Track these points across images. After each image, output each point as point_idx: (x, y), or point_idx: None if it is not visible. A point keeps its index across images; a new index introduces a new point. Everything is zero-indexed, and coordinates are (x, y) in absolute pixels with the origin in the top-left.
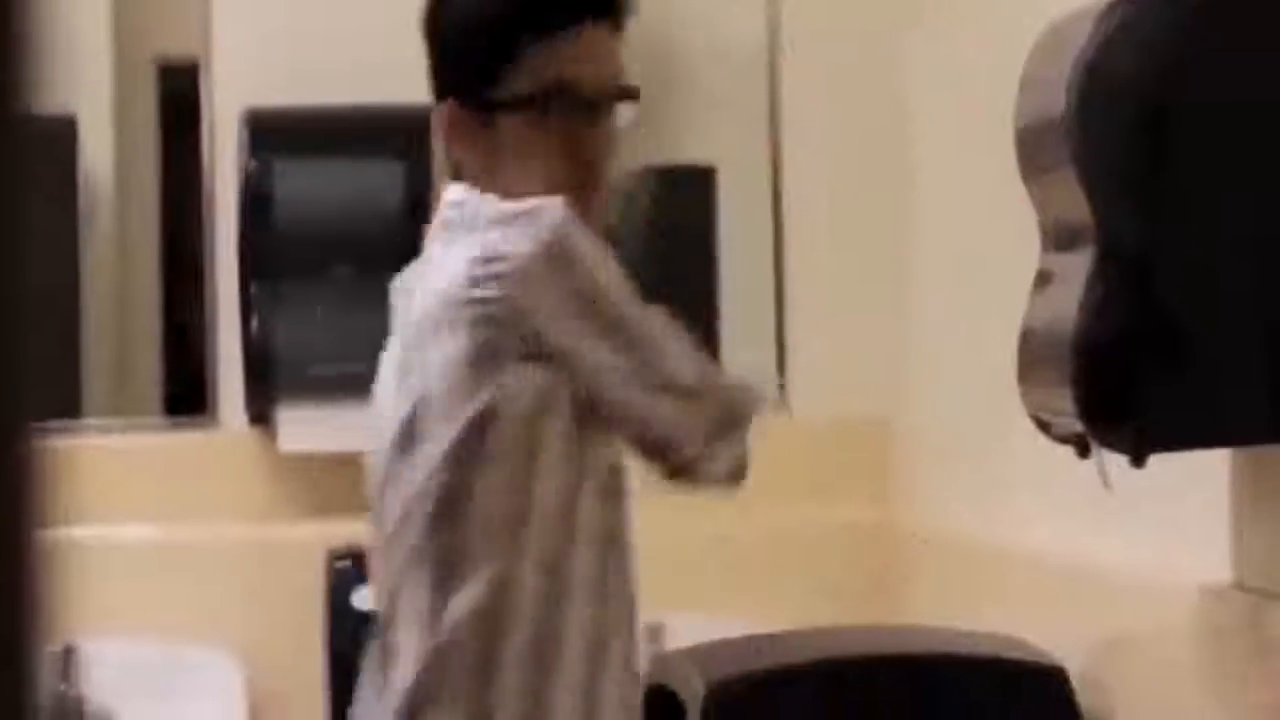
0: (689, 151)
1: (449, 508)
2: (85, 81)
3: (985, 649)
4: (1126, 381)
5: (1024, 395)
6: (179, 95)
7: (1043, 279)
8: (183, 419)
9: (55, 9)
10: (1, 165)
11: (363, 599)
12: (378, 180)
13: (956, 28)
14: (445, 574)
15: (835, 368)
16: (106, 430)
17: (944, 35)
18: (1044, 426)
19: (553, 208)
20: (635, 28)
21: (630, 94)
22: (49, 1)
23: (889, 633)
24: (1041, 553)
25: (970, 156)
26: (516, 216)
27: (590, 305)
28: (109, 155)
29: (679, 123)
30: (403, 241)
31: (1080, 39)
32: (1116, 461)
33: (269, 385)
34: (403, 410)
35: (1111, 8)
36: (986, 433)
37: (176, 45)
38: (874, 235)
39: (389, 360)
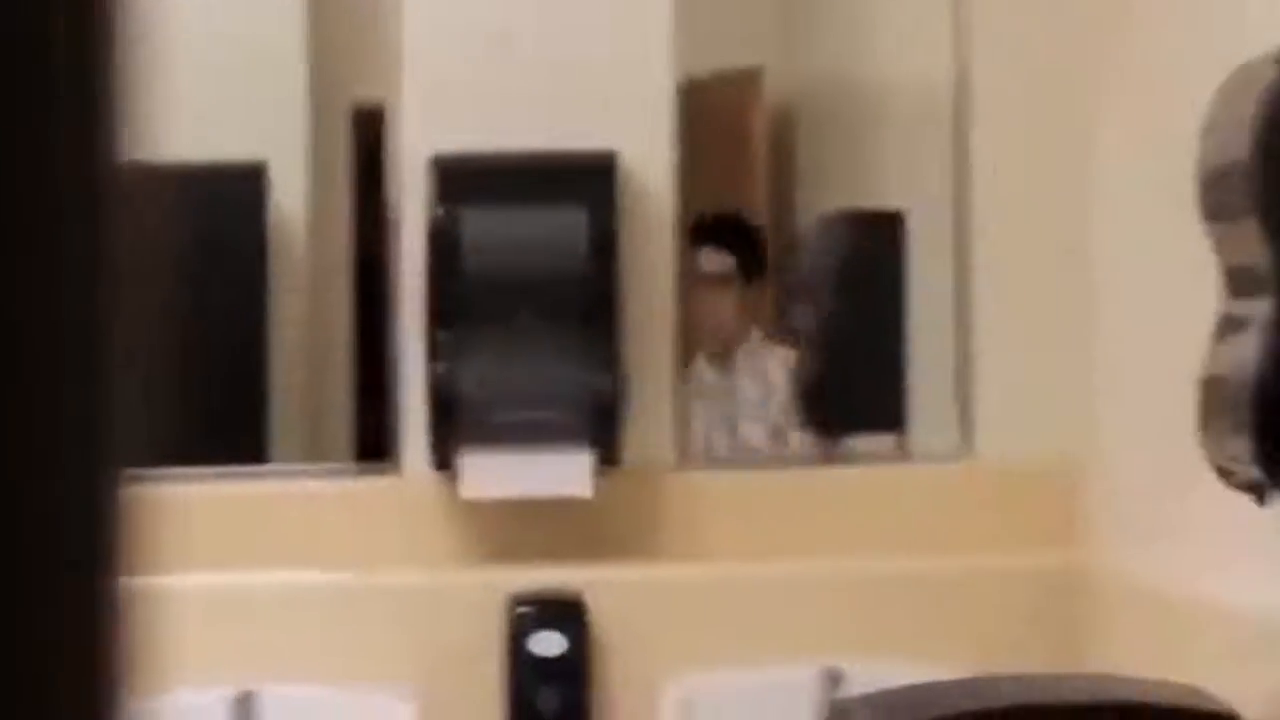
0: (878, 196)
1: None
2: (278, 127)
3: (1164, 698)
4: None
5: (1204, 443)
6: (370, 141)
7: (1223, 325)
8: (367, 465)
9: (249, 56)
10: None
11: (543, 644)
12: (561, 226)
13: (1145, 69)
14: None
15: (1021, 411)
16: (294, 476)
17: (1131, 76)
18: (1225, 475)
19: None
20: (823, 72)
21: None
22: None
23: (1071, 680)
24: (1227, 601)
25: (1154, 200)
26: None
27: None
28: (300, 202)
29: (869, 167)
30: (586, 288)
31: (1264, 82)
32: None
33: (452, 431)
34: None
35: None
36: (1174, 478)
37: (369, 91)
38: (1059, 278)
39: None
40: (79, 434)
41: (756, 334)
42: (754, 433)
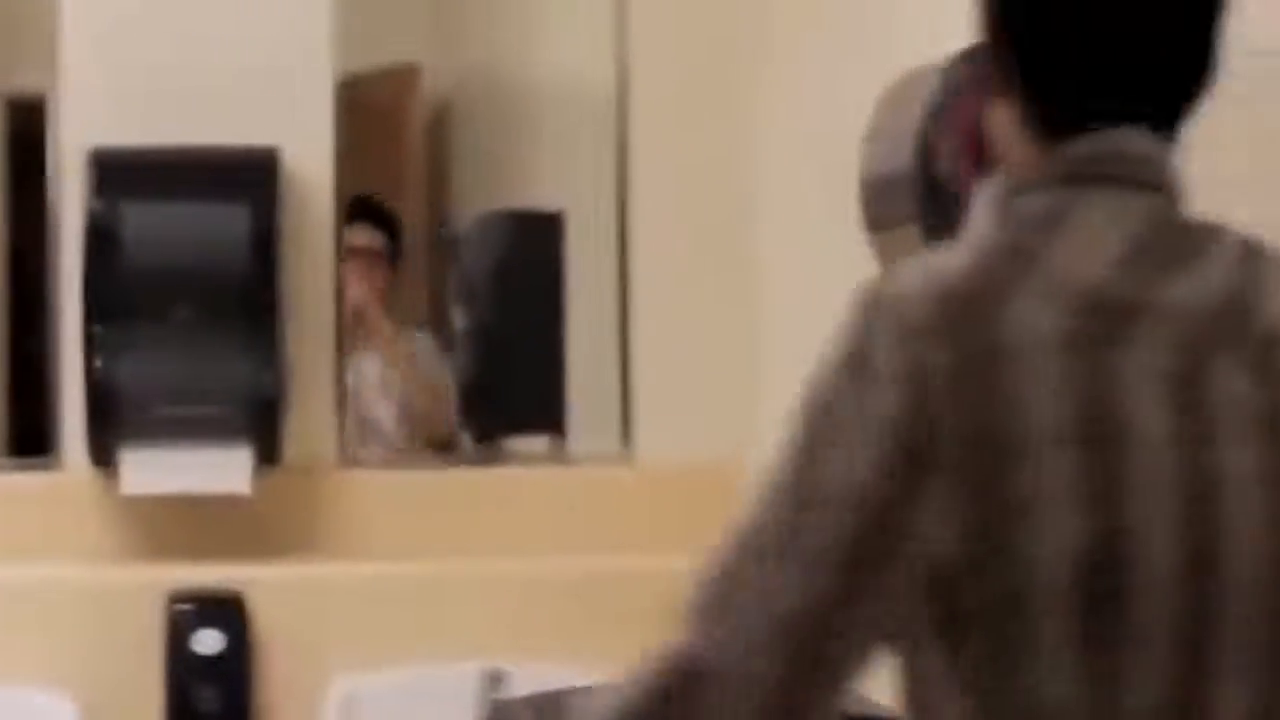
0: (537, 195)
1: None
2: None
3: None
4: None
5: None
6: (25, 133)
7: None
8: (25, 460)
9: None
10: None
11: (203, 643)
12: (222, 222)
13: (806, 70)
14: None
15: (682, 413)
16: None
17: (793, 77)
18: None
19: None
20: (482, 69)
21: None
22: None
23: None
24: None
25: (816, 201)
26: None
27: None
28: None
29: (527, 165)
30: (246, 284)
31: (928, 92)
32: None
33: (111, 427)
34: None
35: (955, 61)
36: None
37: (24, 82)
38: (720, 279)
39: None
40: None
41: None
42: (384, 413)
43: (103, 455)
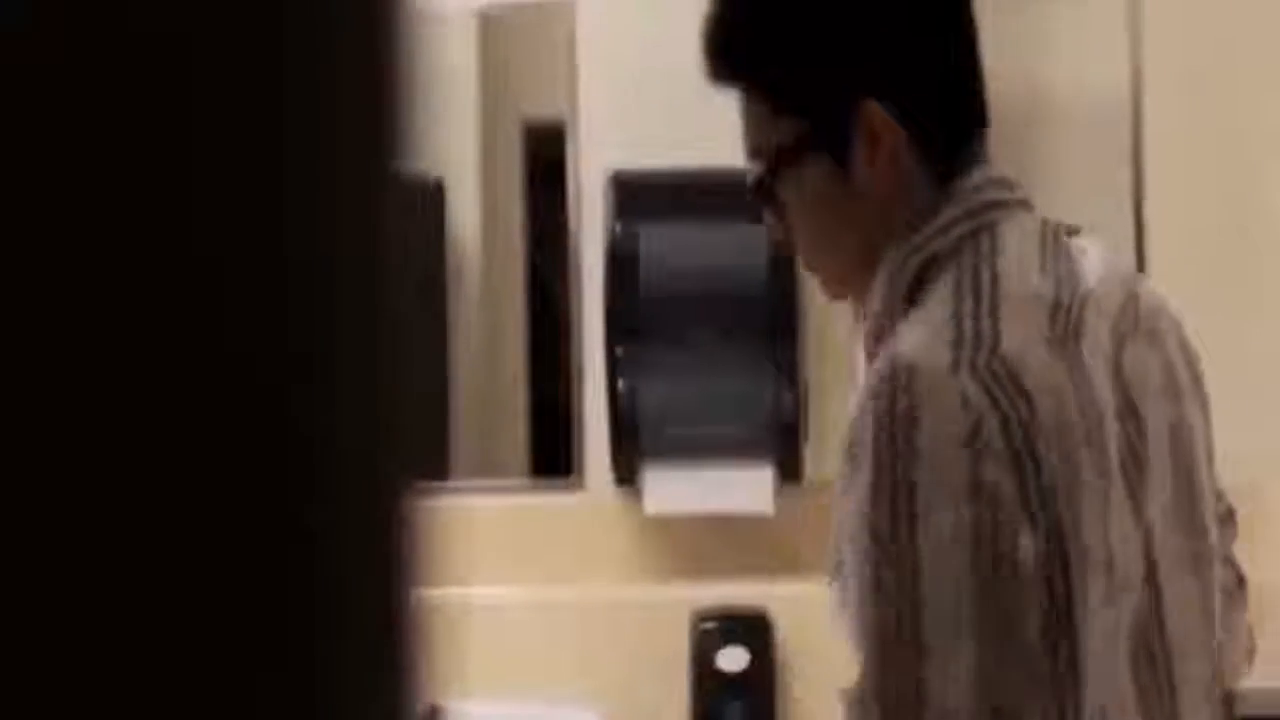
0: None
1: None
2: (453, 144)
3: None
4: None
5: None
6: (545, 158)
7: None
8: (549, 481)
9: (428, 72)
10: (371, 230)
11: (729, 660)
12: (741, 242)
13: None
14: None
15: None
16: (474, 492)
17: None
18: None
19: None
20: (993, 83)
21: None
22: (423, 64)
23: None
24: None
25: None
26: None
27: None
28: (476, 218)
29: (1042, 179)
30: (765, 304)
31: None
32: None
33: (634, 448)
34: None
35: None
36: None
37: (542, 108)
38: (1238, 292)
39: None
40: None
41: None
42: None
43: (626, 475)
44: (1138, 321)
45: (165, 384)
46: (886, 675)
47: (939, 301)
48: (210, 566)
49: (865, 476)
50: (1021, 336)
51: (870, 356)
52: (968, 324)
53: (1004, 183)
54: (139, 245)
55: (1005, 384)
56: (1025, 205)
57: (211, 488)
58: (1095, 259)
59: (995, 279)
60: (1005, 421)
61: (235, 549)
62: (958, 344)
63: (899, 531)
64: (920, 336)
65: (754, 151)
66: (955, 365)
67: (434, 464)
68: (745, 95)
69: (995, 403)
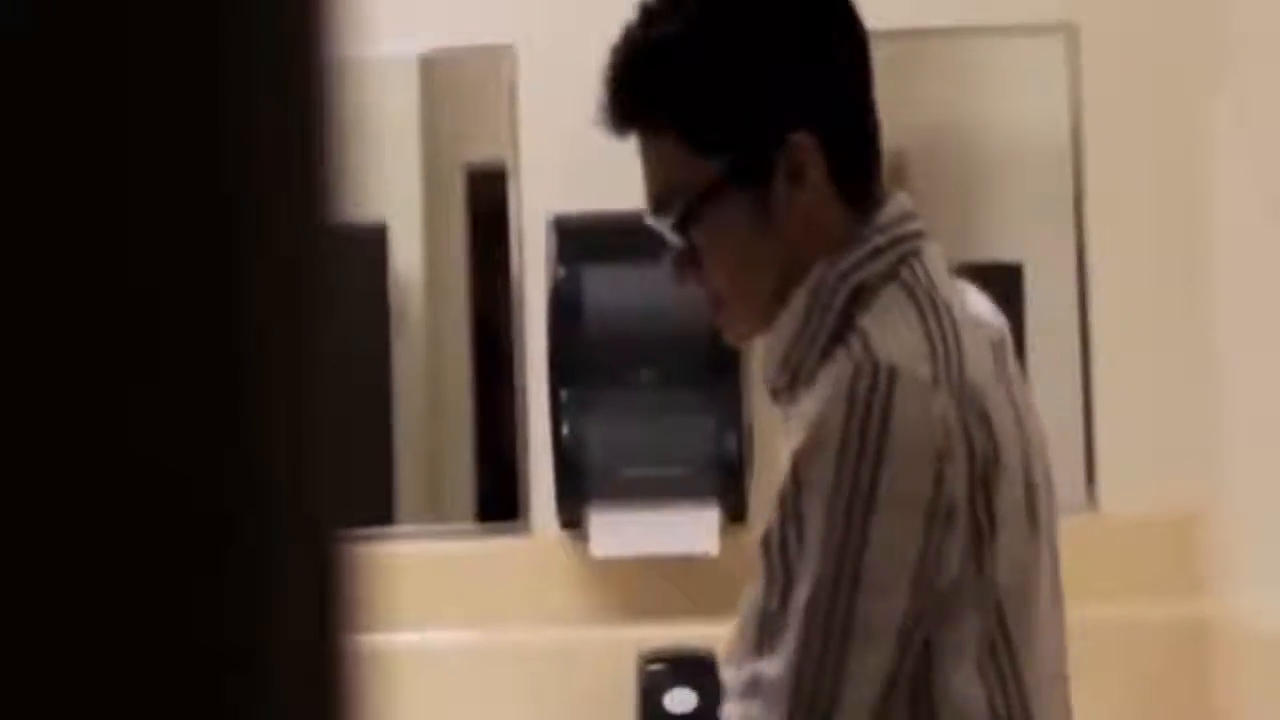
0: (995, 250)
1: None
2: (395, 188)
3: None
4: None
5: None
6: (487, 201)
7: None
8: (495, 525)
9: (364, 119)
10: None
11: (677, 702)
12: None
13: (1262, 107)
14: None
15: (1144, 462)
16: (419, 537)
17: (1250, 122)
18: None
19: None
20: (940, 129)
21: None
22: (358, 112)
23: None
24: None
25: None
26: None
27: None
28: (419, 262)
29: (985, 219)
30: (708, 345)
31: None
32: None
33: (579, 490)
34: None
35: None
36: None
37: (484, 152)
38: (1180, 327)
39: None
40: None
41: None
42: None
43: (571, 518)
44: (1009, 363)
45: (97, 429)
46: (807, 655)
47: (900, 316)
48: (140, 610)
49: (829, 456)
50: (977, 365)
51: (777, 392)
52: (938, 343)
53: (914, 214)
54: (75, 286)
55: (971, 409)
56: (929, 236)
57: (143, 532)
58: (974, 295)
59: (947, 305)
60: (970, 446)
61: (168, 592)
62: (933, 359)
63: (852, 517)
64: (894, 345)
65: (663, 196)
66: (935, 380)
67: (378, 508)
68: (655, 139)
69: (965, 426)
